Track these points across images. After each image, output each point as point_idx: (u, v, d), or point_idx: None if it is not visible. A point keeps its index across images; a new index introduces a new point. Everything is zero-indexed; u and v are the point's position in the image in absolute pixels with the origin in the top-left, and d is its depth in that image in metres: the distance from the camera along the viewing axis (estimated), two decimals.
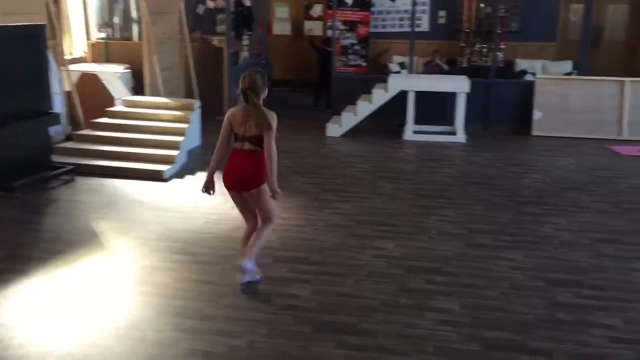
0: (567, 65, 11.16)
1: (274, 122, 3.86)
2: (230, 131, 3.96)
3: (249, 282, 4.06)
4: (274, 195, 3.94)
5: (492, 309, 3.82)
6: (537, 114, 9.01)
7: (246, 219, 4.18)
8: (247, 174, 3.89)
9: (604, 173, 7.00)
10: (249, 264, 4.01)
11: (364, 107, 8.75)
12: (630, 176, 6.89)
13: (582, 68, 9.39)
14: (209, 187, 4.06)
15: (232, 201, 4.12)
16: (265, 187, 3.95)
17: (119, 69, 9.42)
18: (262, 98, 3.90)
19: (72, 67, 8.57)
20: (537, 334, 3.54)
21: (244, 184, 3.93)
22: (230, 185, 3.99)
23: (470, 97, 8.56)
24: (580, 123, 8.89)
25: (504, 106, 9.32)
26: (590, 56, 10.75)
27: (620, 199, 6.05)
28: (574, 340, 3.48)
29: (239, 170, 3.92)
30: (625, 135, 8.74)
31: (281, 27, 13.46)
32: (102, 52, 9.98)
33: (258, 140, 3.87)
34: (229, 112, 3.99)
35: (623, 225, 5.35)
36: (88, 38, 10.13)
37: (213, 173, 4.02)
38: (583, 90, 8.96)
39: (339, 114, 9.04)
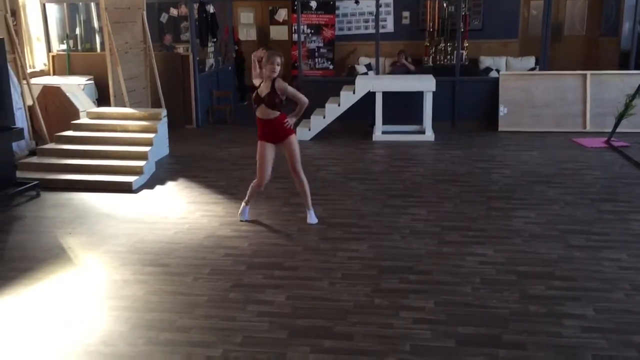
0: (531, 61, 11.37)
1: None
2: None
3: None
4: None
5: (465, 305, 3.85)
6: (502, 110, 9.15)
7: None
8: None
9: (570, 165, 7.13)
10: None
11: (333, 110, 8.77)
12: (595, 168, 7.03)
13: (544, 63, 9.56)
14: None
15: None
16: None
17: (82, 80, 9.27)
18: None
19: (33, 80, 8.41)
20: (510, 328, 3.57)
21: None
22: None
23: (436, 95, 8.65)
24: (544, 117, 9.05)
25: (470, 103, 9.45)
26: (552, 51, 10.96)
27: (586, 190, 6.16)
28: (547, 332, 3.52)
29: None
30: (589, 128, 8.92)
31: (246, 32, 13.43)
32: (65, 64, 9.81)
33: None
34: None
35: (590, 216, 5.44)
36: (49, 50, 9.96)
37: None
38: (546, 85, 9.12)
39: (308, 117, 9.04)
